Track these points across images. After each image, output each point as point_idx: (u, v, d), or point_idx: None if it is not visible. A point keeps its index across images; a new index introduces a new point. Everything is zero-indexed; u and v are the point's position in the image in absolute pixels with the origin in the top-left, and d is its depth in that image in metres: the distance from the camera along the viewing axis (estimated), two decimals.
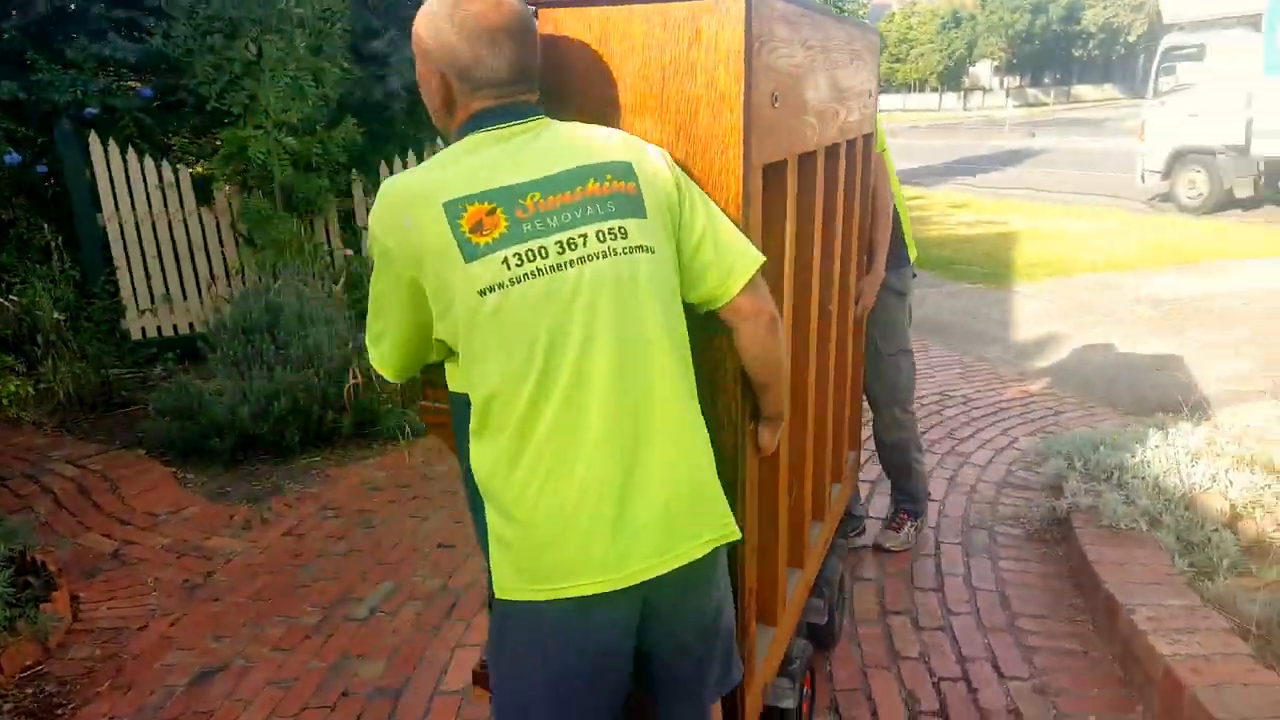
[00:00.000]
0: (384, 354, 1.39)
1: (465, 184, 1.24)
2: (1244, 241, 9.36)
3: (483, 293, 1.22)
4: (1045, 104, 50.02)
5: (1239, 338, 5.57)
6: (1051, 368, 5.23)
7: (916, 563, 3.11)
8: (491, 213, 1.23)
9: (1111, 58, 56.28)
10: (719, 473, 1.40)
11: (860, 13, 21.21)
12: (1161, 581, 2.55)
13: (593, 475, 1.25)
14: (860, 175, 2.51)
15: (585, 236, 1.26)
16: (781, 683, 1.97)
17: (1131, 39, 51.44)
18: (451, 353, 1.33)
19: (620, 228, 1.28)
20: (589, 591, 1.26)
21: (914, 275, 3.05)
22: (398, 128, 6.50)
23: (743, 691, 1.69)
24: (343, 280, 5.28)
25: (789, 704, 1.95)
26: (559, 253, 1.24)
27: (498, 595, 1.33)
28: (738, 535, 1.39)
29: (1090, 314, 6.45)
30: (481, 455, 1.31)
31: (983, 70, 59.37)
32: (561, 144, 1.32)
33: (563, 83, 1.54)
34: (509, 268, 1.22)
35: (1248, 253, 8.61)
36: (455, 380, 1.40)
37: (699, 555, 1.32)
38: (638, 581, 1.27)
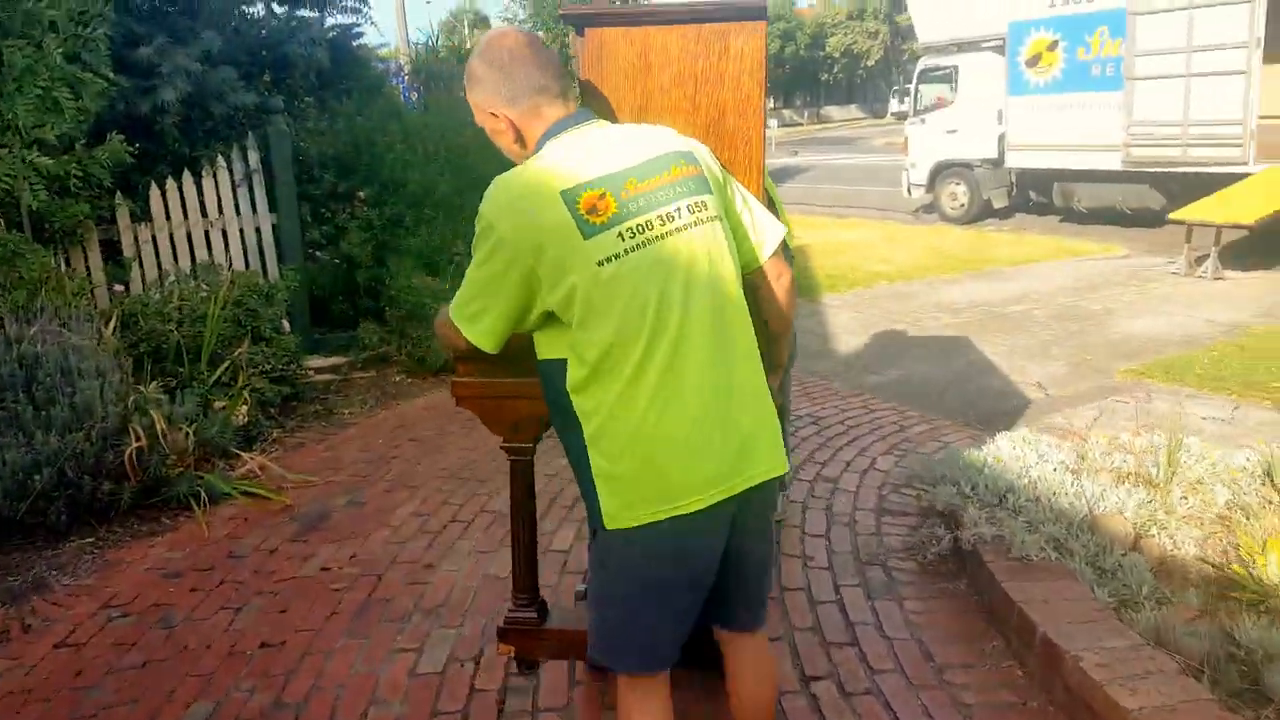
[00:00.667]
0: (485, 329, 1.58)
1: (573, 176, 1.50)
2: (1004, 245, 10.14)
3: (600, 263, 1.46)
4: (800, 124, 53.37)
5: (1044, 340, 5.85)
6: (884, 381, 5.21)
7: (821, 610, 2.82)
8: (602, 196, 1.49)
9: (855, 81, 61.08)
10: None
11: None
12: (1094, 619, 2.39)
13: (701, 409, 1.50)
14: None
15: (679, 210, 1.53)
16: None
17: (870, 64, 56.09)
18: (547, 323, 1.57)
19: (702, 201, 1.57)
20: (704, 505, 1.50)
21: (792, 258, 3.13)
22: (170, 145, 5.57)
23: None
24: (114, 322, 4.37)
25: None
26: (660, 225, 1.51)
27: (609, 526, 1.55)
28: (786, 467, 1.65)
29: (899, 322, 6.59)
30: (595, 402, 1.52)
31: None
32: (636, 136, 1.63)
33: (607, 90, 1.86)
34: (623, 239, 1.48)
35: (1015, 257, 9.29)
36: (550, 348, 1.61)
37: (776, 474, 1.60)
38: (737, 493, 1.53)
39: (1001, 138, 12.16)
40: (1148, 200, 10.83)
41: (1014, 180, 12.70)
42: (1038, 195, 12.53)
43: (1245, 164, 9.35)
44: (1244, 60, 9.15)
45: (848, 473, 3.89)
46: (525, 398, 1.93)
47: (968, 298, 7.36)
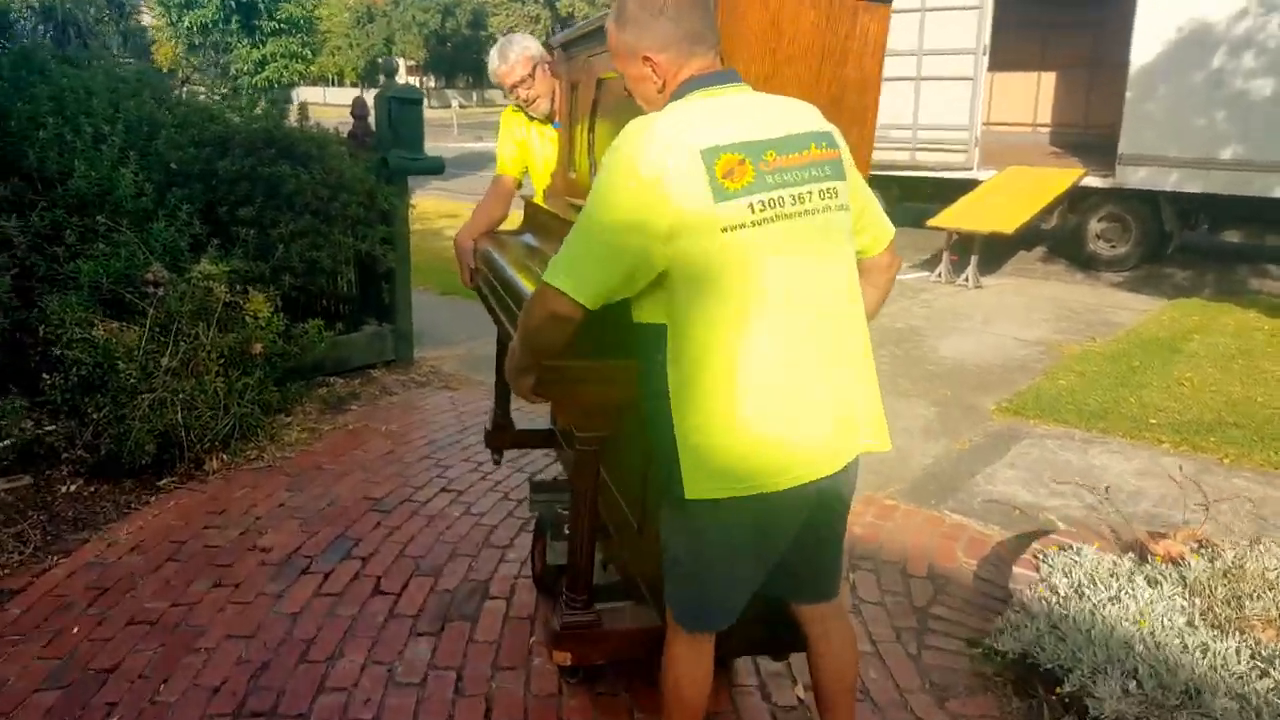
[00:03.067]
0: (589, 280, 1.49)
1: (714, 136, 1.46)
2: None
3: (725, 230, 1.45)
4: (469, 106, 51.75)
5: (883, 370, 5.24)
6: None
7: None
8: (741, 163, 1.46)
9: None
10: None
11: None
12: None
13: (808, 399, 1.53)
14: None
15: (811, 194, 1.52)
16: None
17: None
18: (654, 283, 1.52)
19: (834, 189, 1.56)
20: (791, 485, 1.53)
21: None
22: None
23: None
24: None
25: None
26: (793, 204, 1.50)
27: (690, 496, 1.54)
28: (890, 445, 1.69)
29: None
30: (691, 373, 1.51)
31: (399, 68, 59.50)
32: (780, 109, 1.58)
33: (737, 54, 1.76)
34: (753, 211, 1.46)
35: None
36: (652, 311, 1.57)
37: (872, 450, 1.66)
38: (824, 475, 1.55)
39: None
40: None
41: None
42: None
43: (970, 169, 9.73)
44: (971, 67, 9.47)
45: None
46: (596, 382, 1.78)
47: None
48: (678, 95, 1.54)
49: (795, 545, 1.65)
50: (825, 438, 1.54)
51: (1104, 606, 2.20)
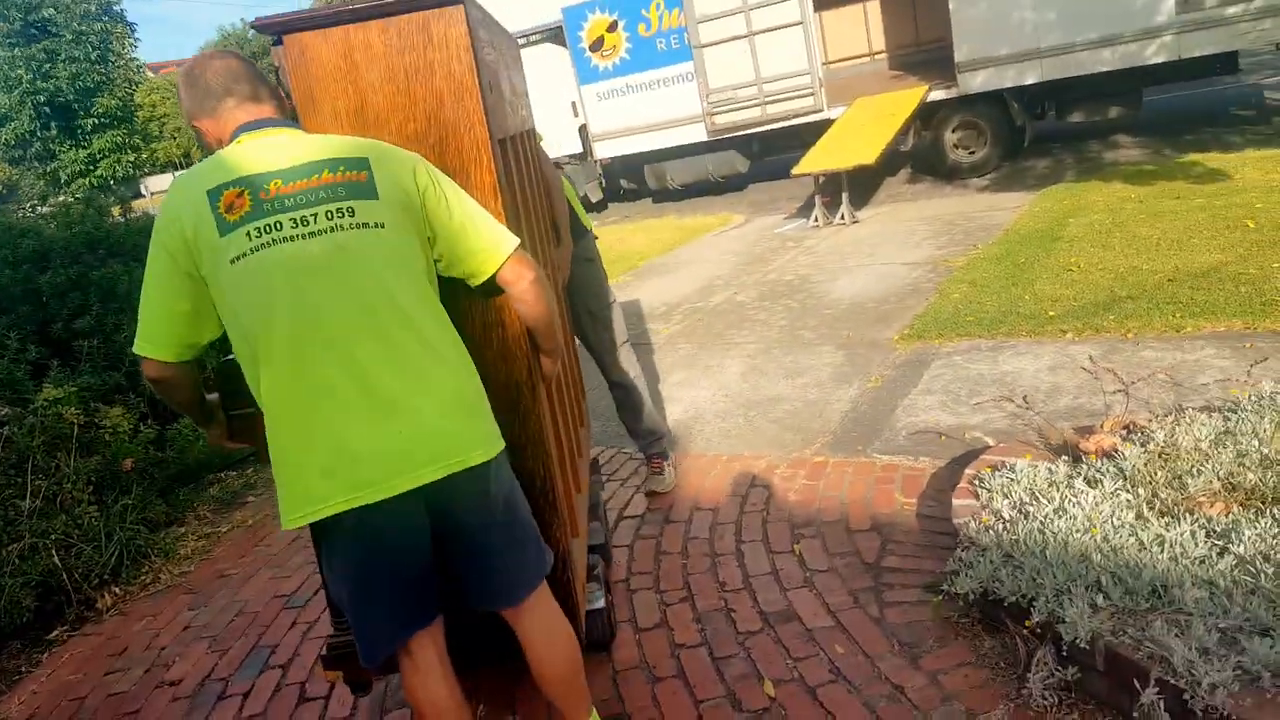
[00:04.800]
0: (149, 331, 1.64)
1: (223, 174, 1.58)
2: (632, 236, 9.66)
3: (231, 260, 1.54)
4: None
5: (783, 327, 5.15)
6: (673, 424, 4.11)
7: None
8: (240, 195, 1.56)
9: None
10: (510, 401, 1.89)
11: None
12: None
13: (329, 413, 1.55)
14: (535, 161, 2.77)
15: (316, 215, 1.57)
16: (591, 586, 2.36)
17: None
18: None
19: (349, 208, 1.59)
20: (351, 505, 1.55)
21: (596, 238, 3.34)
22: None
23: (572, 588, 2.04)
24: None
25: (600, 605, 2.36)
26: (293, 227, 1.56)
27: (284, 526, 1.60)
28: (491, 455, 1.67)
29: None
30: (260, 400, 1.60)
31: None
32: (305, 144, 1.66)
33: (318, 95, 1.84)
34: (249, 239, 1.54)
35: (654, 247, 8.78)
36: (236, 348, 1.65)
37: (456, 470, 1.61)
38: (410, 489, 1.57)
39: (583, 130, 11.72)
40: (736, 165, 11.05)
41: (601, 171, 12.41)
42: (629, 182, 12.36)
43: (821, 110, 9.81)
44: (798, 11, 9.52)
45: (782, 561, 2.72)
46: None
47: (660, 299, 6.56)
48: (228, 144, 1.68)
49: (441, 559, 1.69)
50: (372, 454, 1.56)
51: (1051, 522, 2.13)
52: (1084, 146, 9.27)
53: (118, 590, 3.41)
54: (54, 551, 3.32)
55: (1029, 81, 8.66)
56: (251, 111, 1.69)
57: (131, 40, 17.70)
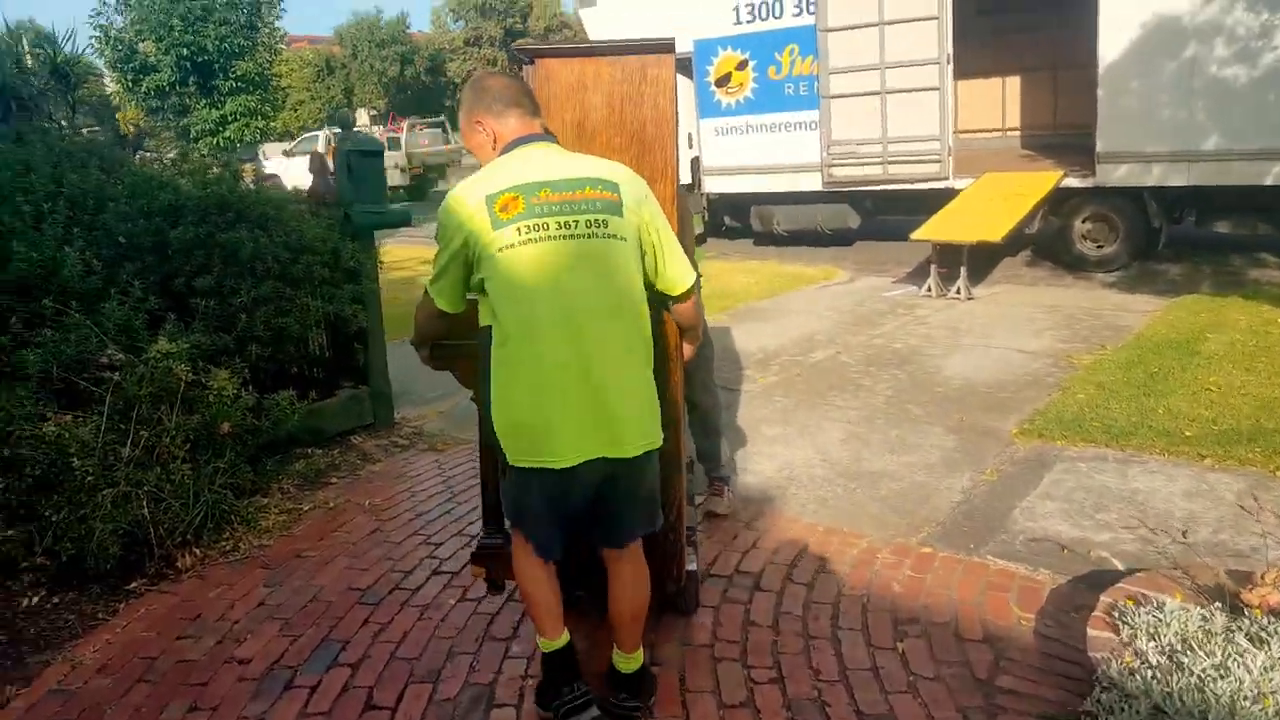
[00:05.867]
0: (440, 290, 2.11)
1: (501, 181, 2.00)
2: (732, 276, 9.53)
3: (500, 249, 1.95)
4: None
5: (888, 398, 4.95)
6: (763, 483, 3.94)
7: None
8: (515, 199, 1.96)
9: None
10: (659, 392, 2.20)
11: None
12: None
13: (562, 387, 1.97)
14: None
15: (578, 221, 1.98)
16: (689, 550, 2.72)
17: None
18: (483, 292, 2.04)
19: (604, 220, 2.00)
20: (566, 464, 2.01)
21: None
22: None
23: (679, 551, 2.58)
24: None
25: (693, 566, 2.76)
26: (557, 228, 1.96)
27: (510, 463, 2.08)
28: (658, 443, 2.14)
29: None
30: (500, 363, 2.03)
31: (362, 118, 59.48)
32: (571, 161, 2.09)
33: (552, 108, 2.37)
34: (519, 234, 1.95)
35: (755, 290, 8.63)
36: (484, 316, 2.09)
37: (640, 453, 2.07)
38: (599, 458, 2.02)
39: (695, 162, 11.67)
40: (847, 219, 10.85)
41: (707, 205, 12.33)
42: (732, 220, 12.25)
43: (946, 179, 9.57)
44: (936, 76, 9.33)
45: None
46: (467, 356, 2.31)
47: (758, 344, 6.41)
48: (503, 152, 2.10)
49: (593, 510, 2.13)
50: (576, 428, 1.98)
51: (1212, 680, 1.92)
52: (1223, 259, 8.84)
53: (198, 552, 3.39)
54: (144, 503, 3.31)
55: (1173, 183, 8.29)
56: (529, 125, 2.11)
57: (278, 9, 18.30)
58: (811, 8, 9.93)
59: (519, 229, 1.93)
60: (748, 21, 10.55)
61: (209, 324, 4.16)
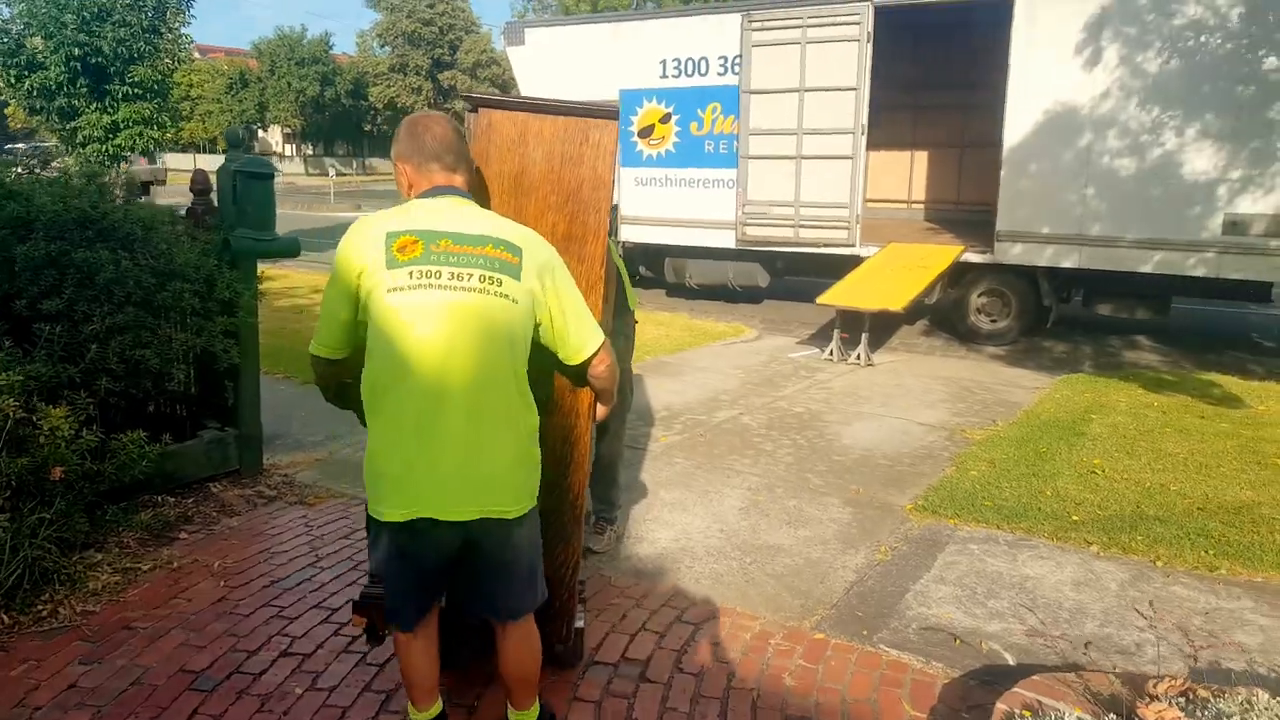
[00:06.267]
0: (323, 338, 2.07)
1: (404, 223, 1.99)
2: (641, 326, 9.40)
3: (389, 290, 1.92)
4: (348, 174, 50.52)
5: (788, 464, 4.84)
6: (657, 554, 3.75)
7: None
8: (415, 242, 1.95)
9: None
10: (562, 455, 2.47)
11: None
12: None
13: (421, 440, 1.94)
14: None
15: (472, 275, 1.95)
16: (579, 608, 2.76)
17: None
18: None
19: (498, 279, 1.98)
20: (408, 518, 1.97)
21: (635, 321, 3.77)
22: None
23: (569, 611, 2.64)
24: None
25: (581, 624, 2.77)
26: (450, 279, 1.94)
27: (369, 511, 2.06)
28: (520, 511, 2.07)
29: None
30: (368, 405, 2.02)
31: (274, 136, 57.99)
32: (479, 217, 2.07)
33: (492, 158, 2.41)
34: (411, 277, 1.92)
35: (664, 343, 8.53)
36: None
37: (496, 517, 2.01)
38: (459, 520, 1.97)
39: (614, 209, 11.57)
40: (757, 278, 10.92)
41: (622, 253, 12.25)
42: (647, 270, 12.20)
43: (853, 245, 9.72)
44: (850, 145, 9.51)
45: None
46: None
47: (663, 401, 6.25)
48: (418, 197, 2.10)
49: (457, 575, 2.12)
50: (431, 484, 1.94)
51: None
52: (1104, 340, 9.19)
53: (6, 618, 2.97)
54: None
55: (1066, 265, 8.60)
56: (447, 178, 2.10)
57: (185, 16, 17.51)
58: (736, 68, 10.04)
59: (411, 273, 1.91)
60: (674, 76, 10.59)
61: (53, 352, 3.75)
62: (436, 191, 2.07)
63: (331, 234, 19.88)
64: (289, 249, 4.60)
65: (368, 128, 57.61)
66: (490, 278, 1.95)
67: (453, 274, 1.93)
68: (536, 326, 2.07)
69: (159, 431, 4.14)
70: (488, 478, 1.97)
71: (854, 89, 9.34)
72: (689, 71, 10.54)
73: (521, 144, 2.38)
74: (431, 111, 2.25)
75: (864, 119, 9.38)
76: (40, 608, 3.06)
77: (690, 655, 2.91)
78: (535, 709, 2.33)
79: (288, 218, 23.57)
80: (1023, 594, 3.39)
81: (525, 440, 2.05)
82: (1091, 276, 8.74)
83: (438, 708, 2.25)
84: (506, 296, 1.97)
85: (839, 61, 9.37)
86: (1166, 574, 3.58)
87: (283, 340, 7.96)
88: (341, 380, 2.18)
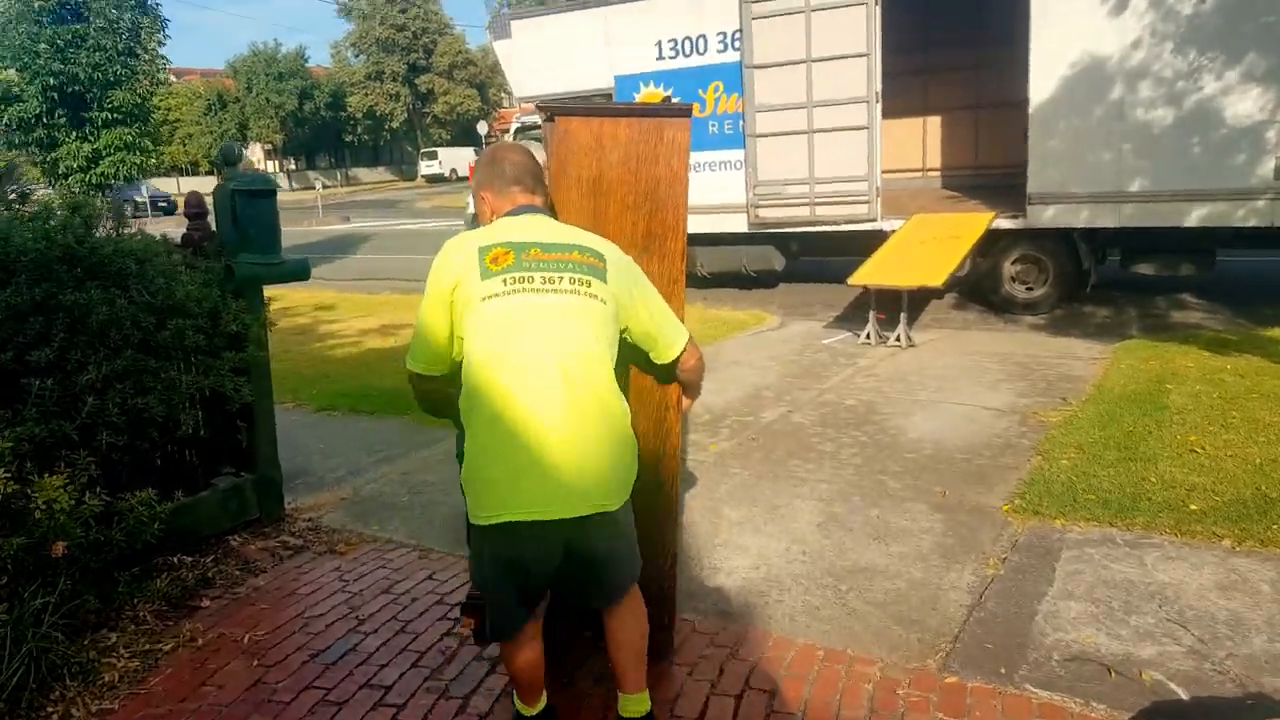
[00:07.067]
0: (419, 350, 2.11)
1: (494, 237, 2.07)
2: None
3: (484, 298, 1.98)
4: (332, 186, 49.97)
5: (858, 468, 4.41)
6: (738, 586, 3.34)
7: None
8: (506, 253, 2.03)
9: (380, 143, 59.35)
10: (655, 450, 2.54)
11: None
12: None
13: (530, 439, 1.93)
14: None
15: (563, 279, 2.02)
16: None
17: (394, 125, 54.73)
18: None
19: (588, 280, 2.04)
20: (528, 519, 1.96)
21: None
22: None
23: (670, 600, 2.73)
24: None
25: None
26: (542, 283, 2.00)
27: (471, 521, 2.05)
28: (620, 503, 2.07)
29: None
30: (468, 412, 2.02)
31: (256, 153, 57.48)
32: (563, 229, 2.17)
33: (570, 164, 2.40)
34: (505, 284, 1.99)
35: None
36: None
37: (603, 511, 2.01)
38: (566, 517, 1.97)
39: None
40: (773, 261, 10.50)
41: None
42: None
43: (874, 220, 9.28)
44: (864, 115, 9.06)
45: None
46: None
47: (701, 402, 5.81)
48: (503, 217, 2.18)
49: (568, 571, 2.07)
50: (538, 484, 1.94)
51: None
52: (1148, 301, 8.77)
53: None
54: None
55: (1105, 224, 8.17)
56: (529, 199, 2.19)
57: (160, 37, 17.02)
58: (736, 44, 9.58)
59: (505, 280, 1.98)
60: (670, 57, 10.13)
61: (46, 408, 3.33)
62: (520, 210, 2.15)
63: (324, 248, 19.45)
64: (298, 272, 4.16)
65: (348, 138, 57.06)
66: (580, 279, 2.02)
67: (545, 278, 2.00)
68: (624, 329, 2.13)
69: (169, 485, 3.72)
70: (594, 474, 1.98)
71: (865, 55, 8.89)
72: (686, 51, 10.08)
73: (598, 148, 2.40)
74: (508, 142, 2.37)
75: (877, 86, 8.94)
76: (50, 710, 2.64)
77: (810, 712, 2.50)
78: (646, 697, 2.28)
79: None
80: (1166, 606, 2.98)
81: (623, 433, 2.06)
82: (1130, 235, 8.31)
83: (543, 701, 2.32)
84: (596, 297, 2.03)
85: (847, 27, 8.91)
86: None
87: (288, 364, 7.55)
88: (443, 393, 2.17)
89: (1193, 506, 3.72)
